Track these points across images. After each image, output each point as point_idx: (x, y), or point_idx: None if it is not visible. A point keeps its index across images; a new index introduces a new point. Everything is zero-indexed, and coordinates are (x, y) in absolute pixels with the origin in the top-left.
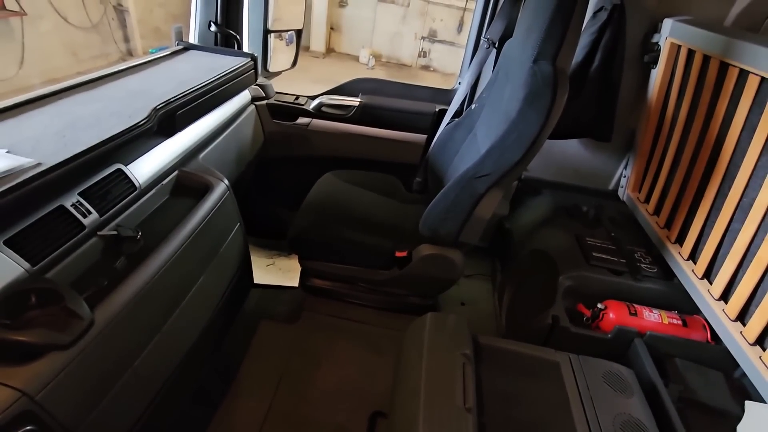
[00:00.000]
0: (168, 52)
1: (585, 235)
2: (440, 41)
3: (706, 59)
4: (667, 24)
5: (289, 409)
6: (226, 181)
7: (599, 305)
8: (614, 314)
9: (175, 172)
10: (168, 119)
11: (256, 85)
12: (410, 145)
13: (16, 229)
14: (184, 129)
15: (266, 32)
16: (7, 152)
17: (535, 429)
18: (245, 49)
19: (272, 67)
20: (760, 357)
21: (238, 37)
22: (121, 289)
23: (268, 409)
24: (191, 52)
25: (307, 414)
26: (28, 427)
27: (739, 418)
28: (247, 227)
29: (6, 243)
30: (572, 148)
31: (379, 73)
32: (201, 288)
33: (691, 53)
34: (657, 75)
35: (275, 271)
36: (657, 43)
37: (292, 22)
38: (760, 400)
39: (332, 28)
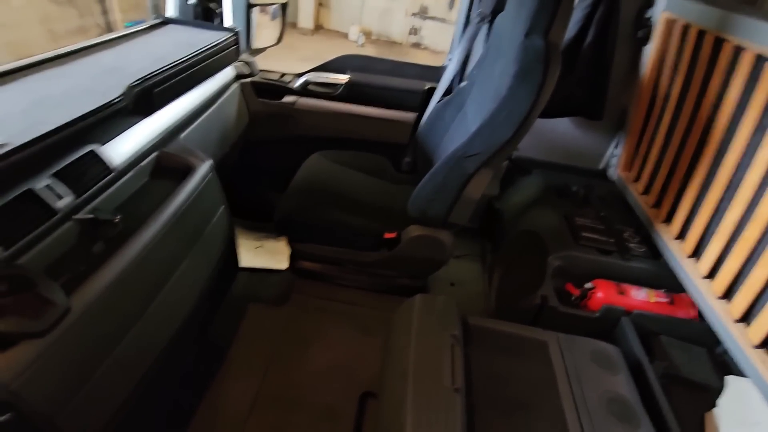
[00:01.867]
0: (145, 27)
1: (574, 215)
2: (431, 18)
3: (700, 35)
4: None
5: (279, 392)
6: (210, 161)
7: (587, 285)
8: (602, 293)
9: (155, 153)
10: (145, 97)
11: (240, 61)
12: (399, 124)
13: None
14: (163, 108)
15: (249, 6)
16: None
17: (524, 408)
18: (227, 23)
19: (256, 44)
20: (743, 333)
21: (218, 10)
22: (99, 275)
23: (257, 392)
24: (169, 26)
25: (296, 396)
26: (5, 416)
27: (720, 392)
28: (234, 210)
29: None
30: (563, 127)
31: (369, 51)
32: (184, 272)
33: (685, 29)
34: (650, 52)
35: (264, 254)
36: (650, 18)
37: None
38: (740, 374)
39: (320, 4)
